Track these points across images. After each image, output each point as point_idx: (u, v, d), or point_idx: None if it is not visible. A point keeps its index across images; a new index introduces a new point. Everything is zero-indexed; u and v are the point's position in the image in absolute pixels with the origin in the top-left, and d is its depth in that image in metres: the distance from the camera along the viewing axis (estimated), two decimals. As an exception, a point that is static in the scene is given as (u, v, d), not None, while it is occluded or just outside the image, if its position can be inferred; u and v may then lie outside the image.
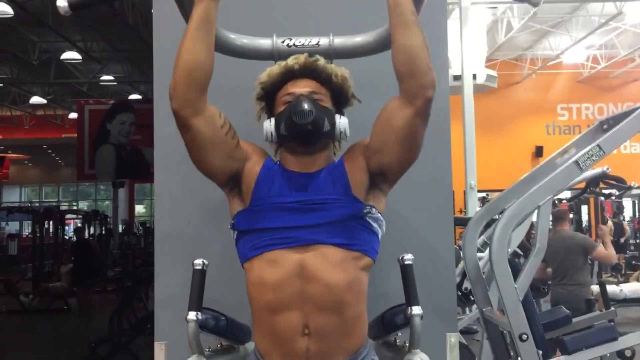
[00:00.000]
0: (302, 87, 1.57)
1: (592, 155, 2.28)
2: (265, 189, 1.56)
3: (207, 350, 1.51)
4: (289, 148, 1.59)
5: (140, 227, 19.29)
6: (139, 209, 25.51)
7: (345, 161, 1.59)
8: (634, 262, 10.26)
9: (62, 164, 25.45)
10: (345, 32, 1.68)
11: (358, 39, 1.64)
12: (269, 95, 1.62)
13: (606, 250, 5.06)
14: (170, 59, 2.03)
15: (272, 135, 1.58)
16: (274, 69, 1.60)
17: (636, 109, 2.39)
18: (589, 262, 5.11)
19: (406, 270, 1.47)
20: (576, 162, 2.30)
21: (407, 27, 1.46)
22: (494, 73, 11.37)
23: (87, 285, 10.18)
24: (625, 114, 2.43)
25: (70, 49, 13.91)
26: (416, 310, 1.44)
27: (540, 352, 2.31)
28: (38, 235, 14.04)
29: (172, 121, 2.04)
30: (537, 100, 16.14)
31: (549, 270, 5.05)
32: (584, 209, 14.15)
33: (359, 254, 1.53)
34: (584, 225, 13.67)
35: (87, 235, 16.89)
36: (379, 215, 1.57)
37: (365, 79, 1.66)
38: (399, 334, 1.61)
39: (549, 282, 5.21)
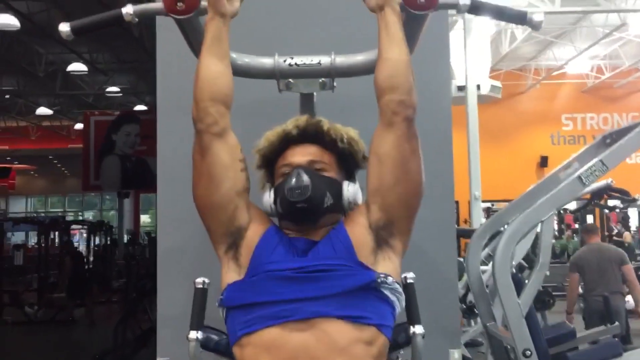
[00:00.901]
0: (301, 155, 1.46)
1: (595, 170, 2.28)
2: (264, 256, 1.40)
3: (209, 368, 1.51)
4: (289, 228, 1.47)
5: (146, 237, 19.34)
6: (144, 218, 25.56)
7: (346, 224, 1.44)
8: (640, 273, 10.17)
9: (68, 175, 25.57)
10: (348, 50, 1.68)
11: (360, 58, 1.64)
12: (269, 162, 1.53)
13: (635, 276, 5.35)
14: (174, 70, 2.07)
15: (271, 209, 1.47)
16: (271, 134, 1.51)
17: (639, 123, 2.40)
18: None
19: (408, 290, 1.45)
20: (579, 177, 2.30)
21: (395, 44, 1.42)
22: (498, 84, 11.40)
23: (82, 297, 10.23)
24: (628, 129, 2.43)
25: (76, 61, 14.01)
26: (418, 329, 1.42)
27: (544, 368, 2.30)
28: (43, 246, 14.08)
29: (175, 135, 2.08)
30: (542, 110, 16.16)
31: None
32: (589, 218, 14.14)
33: (372, 331, 1.33)
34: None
35: (92, 245, 16.95)
36: (397, 285, 1.38)
37: (369, 97, 1.65)
38: (401, 352, 1.60)
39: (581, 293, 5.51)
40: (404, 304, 1.42)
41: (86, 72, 14.62)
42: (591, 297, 5.28)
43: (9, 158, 22.97)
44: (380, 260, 1.40)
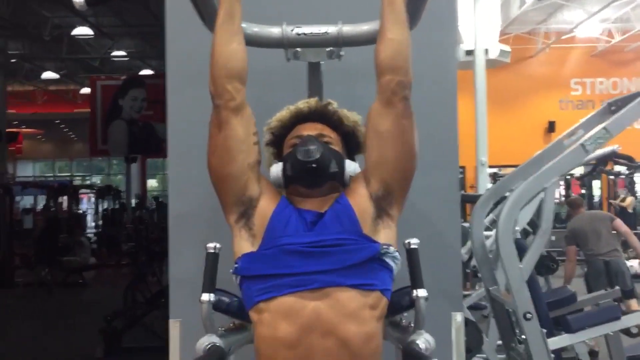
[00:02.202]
0: (310, 130, 1.57)
1: (599, 137, 2.30)
2: (278, 229, 1.50)
3: (221, 329, 1.57)
4: (296, 191, 1.55)
5: (153, 201, 19.53)
6: (151, 183, 25.70)
7: (348, 196, 1.54)
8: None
9: (75, 139, 25.63)
10: (355, 20, 1.70)
11: (366, 27, 1.67)
12: (278, 140, 1.62)
13: (626, 227, 5.73)
14: (183, 34, 2.09)
15: (279, 179, 1.56)
16: (282, 114, 1.61)
17: (643, 92, 2.41)
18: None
19: (412, 255, 1.50)
20: (582, 144, 2.33)
21: (399, 24, 1.50)
22: (507, 48, 11.25)
23: (50, 264, 10.44)
24: (633, 96, 2.44)
25: (82, 25, 13.92)
26: (421, 292, 1.47)
27: (545, 330, 2.36)
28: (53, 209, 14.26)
29: (185, 101, 2.11)
30: (551, 75, 15.98)
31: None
32: (596, 184, 14.15)
33: (376, 295, 1.47)
34: (595, 201, 13.67)
35: (100, 209, 17.13)
36: (397, 253, 1.52)
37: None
38: (405, 314, 1.65)
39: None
40: (400, 265, 1.53)
41: (92, 36, 14.53)
42: (593, 259, 5.50)
43: (15, 122, 22.98)
44: (380, 229, 1.53)
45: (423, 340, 1.47)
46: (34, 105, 22.17)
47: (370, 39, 1.65)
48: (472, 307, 4.64)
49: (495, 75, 12.10)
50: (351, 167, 1.58)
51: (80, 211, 18.31)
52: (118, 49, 16.50)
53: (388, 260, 1.50)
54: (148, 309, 6.22)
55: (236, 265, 1.51)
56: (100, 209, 17.22)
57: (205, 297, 1.47)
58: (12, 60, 17.71)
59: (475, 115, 8.70)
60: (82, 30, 13.92)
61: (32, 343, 6.55)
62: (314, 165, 1.49)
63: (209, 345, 1.45)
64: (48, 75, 18.24)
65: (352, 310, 1.43)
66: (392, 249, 1.51)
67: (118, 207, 17.14)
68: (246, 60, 1.55)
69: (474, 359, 3.75)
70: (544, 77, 15.90)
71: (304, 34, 1.66)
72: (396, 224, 1.57)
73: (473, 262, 4.26)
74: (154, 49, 16.47)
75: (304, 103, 1.62)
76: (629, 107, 2.36)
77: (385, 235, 1.52)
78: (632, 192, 13.80)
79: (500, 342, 3.32)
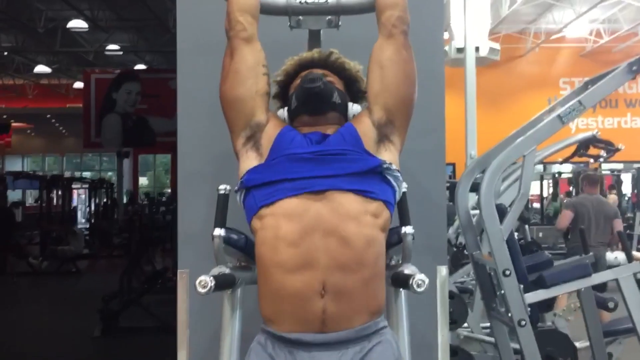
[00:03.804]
0: (315, 71, 1.67)
1: (574, 109, 2.50)
2: (284, 144, 1.59)
3: (229, 265, 1.73)
4: (301, 122, 1.65)
5: (144, 197, 19.64)
6: (142, 181, 25.71)
7: (353, 123, 1.65)
8: (627, 231, 10.47)
9: (66, 134, 25.51)
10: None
11: (362, -3, 1.84)
12: (284, 92, 1.74)
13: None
14: (193, 23, 2.26)
15: (285, 121, 1.69)
16: (288, 62, 1.74)
17: (616, 69, 2.61)
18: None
19: (401, 197, 1.68)
20: (558, 116, 2.53)
21: None
22: (496, 46, 11.48)
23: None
24: (606, 74, 2.65)
25: (77, 17, 13.98)
26: (408, 229, 1.63)
27: (522, 286, 2.56)
28: (45, 201, 14.29)
29: (196, 72, 2.27)
30: (540, 74, 16.25)
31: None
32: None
33: (378, 204, 1.54)
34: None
35: (93, 203, 17.16)
36: (399, 174, 1.60)
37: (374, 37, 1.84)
38: (394, 257, 1.82)
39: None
40: (402, 190, 1.64)
41: (86, 29, 14.59)
42: (576, 249, 5.43)
43: (5, 116, 22.88)
44: (382, 150, 1.63)
45: (410, 270, 1.64)
46: (25, 100, 22.08)
47: (369, 7, 1.81)
48: (460, 290, 4.82)
49: (486, 74, 12.32)
50: (355, 108, 1.70)
51: (72, 207, 18.30)
52: (112, 43, 16.54)
53: (389, 177, 1.57)
54: (144, 291, 6.38)
55: (241, 181, 1.60)
56: (93, 202, 17.25)
57: (217, 231, 1.63)
58: (5, 53, 17.68)
59: (465, 112, 8.85)
60: (77, 24, 13.97)
61: (31, 324, 6.68)
62: (316, 91, 1.60)
63: (220, 273, 1.61)
64: (40, 69, 18.21)
65: (353, 213, 1.50)
66: (393, 166, 1.59)
67: (111, 202, 17.19)
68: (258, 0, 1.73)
69: (458, 330, 3.95)
70: (533, 76, 16.17)
71: (306, 2, 1.83)
72: (397, 152, 1.66)
73: (460, 239, 4.45)
74: (148, 43, 16.56)
75: (308, 53, 1.76)
76: (601, 82, 2.56)
77: (387, 155, 1.62)
78: (619, 190, 14.02)
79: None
